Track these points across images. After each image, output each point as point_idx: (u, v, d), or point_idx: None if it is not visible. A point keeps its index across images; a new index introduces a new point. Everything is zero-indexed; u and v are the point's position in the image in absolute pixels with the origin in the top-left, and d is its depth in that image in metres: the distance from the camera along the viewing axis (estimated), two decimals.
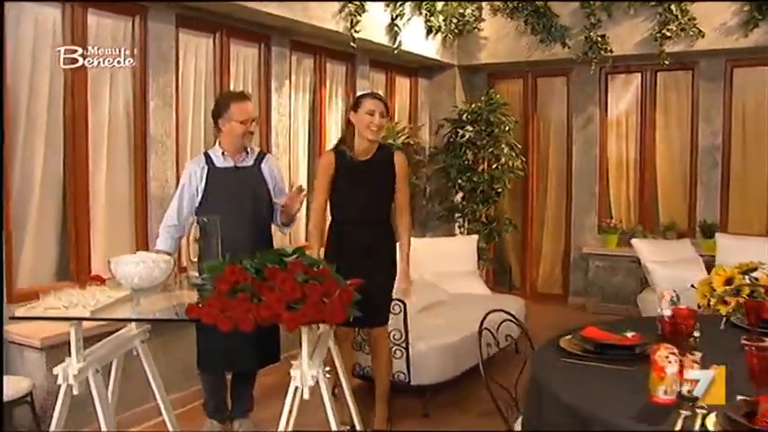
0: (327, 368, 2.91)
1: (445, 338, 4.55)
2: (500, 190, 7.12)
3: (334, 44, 6.14)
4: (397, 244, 3.95)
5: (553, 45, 7.18)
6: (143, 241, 4.57)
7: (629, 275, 7.16)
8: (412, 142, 6.99)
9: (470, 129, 6.94)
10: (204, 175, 3.67)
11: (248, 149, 3.74)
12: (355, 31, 5.83)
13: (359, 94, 3.93)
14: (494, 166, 7.01)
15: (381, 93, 7.03)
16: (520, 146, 7.36)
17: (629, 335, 2.76)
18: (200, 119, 5.00)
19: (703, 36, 6.44)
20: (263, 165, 3.77)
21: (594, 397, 2.23)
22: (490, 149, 7.00)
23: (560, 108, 7.77)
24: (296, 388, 2.82)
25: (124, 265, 3.11)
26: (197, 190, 3.68)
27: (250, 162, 3.73)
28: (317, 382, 2.80)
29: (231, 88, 5.21)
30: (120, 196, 4.50)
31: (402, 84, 7.46)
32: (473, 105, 7.09)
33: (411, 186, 6.86)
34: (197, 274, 3.32)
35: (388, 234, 3.88)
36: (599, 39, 6.87)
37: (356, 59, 6.56)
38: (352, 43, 5.89)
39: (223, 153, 3.68)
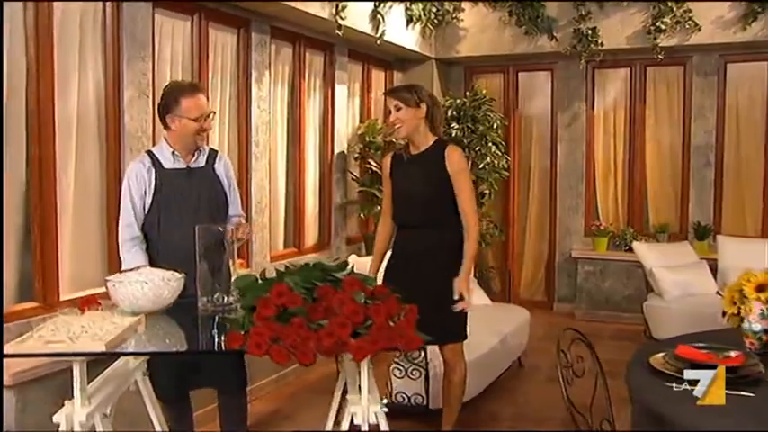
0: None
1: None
2: (486, 192, 6.87)
3: (315, 33, 5.80)
4: None
5: (539, 37, 7.01)
6: (115, 252, 4.07)
7: (619, 280, 7.07)
8: (394, 140, 6.64)
9: (456, 126, 6.67)
10: (152, 179, 3.23)
11: (200, 148, 3.34)
12: (341, 18, 5.49)
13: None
14: (480, 166, 6.76)
15: (358, 86, 6.74)
16: (504, 144, 7.14)
17: (733, 354, 2.53)
18: None
19: (699, 30, 6.37)
20: (216, 165, 3.37)
21: None
22: (477, 148, 6.75)
23: (544, 104, 7.62)
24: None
25: (127, 285, 2.69)
26: (144, 194, 3.23)
27: (202, 162, 3.33)
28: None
29: (210, 78, 4.79)
30: (91, 201, 4.02)
31: (377, 77, 7.15)
32: (457, 101, 6.83)
33: None
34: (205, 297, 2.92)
35: (443, 237, 3.55)
36: (589, 31, 6.74)
37: (335, 50, 6.21)
38: (337, 31, 5.54)
39: (173, 153, 3.26)
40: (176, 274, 2.83)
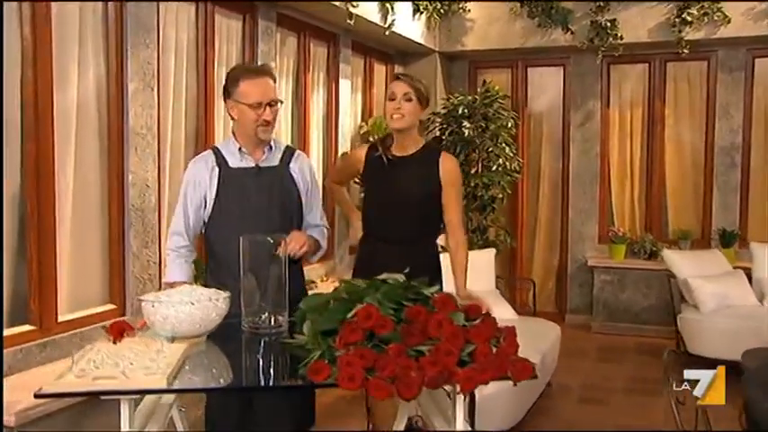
0: None
1: None
2: (499, 195, 6.62)
3: (321, 22, 5.51)
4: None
5: (553, 30, 6.80)
6: (118, 266, 3.74)
7: (639, 291, 6.89)
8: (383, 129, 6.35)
9: (468, 125, 6.41)
10: (215, 179, 2.89)
11: (272, 144, 3.00)
12: (353, 6, 5.20)
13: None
14: (493, 167, 6.52)
15: (360, 80, 6.45)
16: (515, 144, 6.92)
17: None
18: (181, 106, 4.22)
19: (729, 22, 6.22)
20: (292, 164, 3.02)
21: None
22: (489, 148, 6.51)
23: (555, 102, 7.41)
24: None
25: (170, 307, 2.35)
26: (205, 199, 2.89)
27: (275, 161, 2.97)
28: None
29: (215, 68, 4.45)
30: (91, 208, 3.65)
31: (379, 71, 6.87)
32: (469, 98, 6.58)
33: None
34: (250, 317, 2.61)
35: (429, 253, 3.25)
36: (608, 24, 6.55)
37: (339, 41, 5.91)
38: (348, 20, 5.26)
39: (240, 149, 2.91)
40: (221, 292, 2.50)
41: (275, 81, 2.94)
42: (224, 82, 2.93)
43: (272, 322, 2.63)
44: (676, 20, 6.36)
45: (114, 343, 2.30)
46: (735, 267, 6.06)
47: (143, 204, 3.81)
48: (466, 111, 6.50)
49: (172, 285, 2.89)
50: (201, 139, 4.36)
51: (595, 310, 7.04)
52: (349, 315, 2.22)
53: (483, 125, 6.47)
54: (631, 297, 6.92)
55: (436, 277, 3.16)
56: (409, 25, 6.39)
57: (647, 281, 6.82)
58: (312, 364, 2.05)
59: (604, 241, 7.20)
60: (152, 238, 3.88)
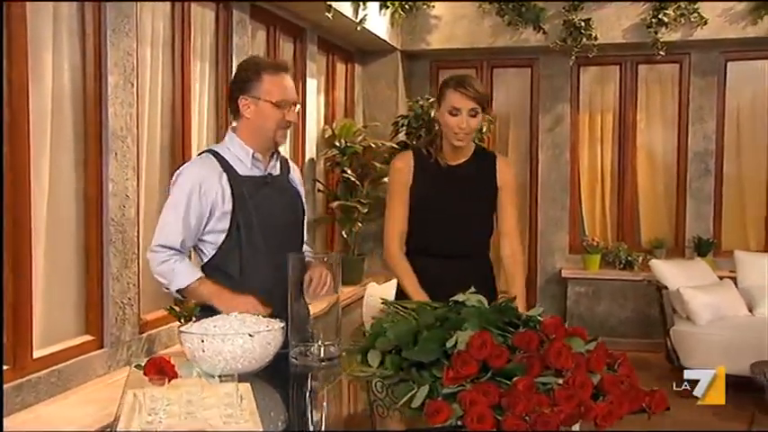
0: None
1: None
2: None
3: (291, 15, 5.28)
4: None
5: (523, 29, 6.75)
6: (97, 290, 3.37)
7: (615, 302, 6.89)
8: (373, 145, 6.15)
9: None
10: (227, 188, 2.55)
11: (279, 151, 2.73)
12: None
13: (443, 79, 3.05)
14: None
15: (323, 80, 6.21)
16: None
17: None
18: (157, 104, 3.88)
19: (706, 23, 6.32)
20: (291, 174, 2.77)
21: None
22: None
23: (523, 105, 7.36)
24: None
25: (225, 340, 2.06)
26: (211, 212, 2.53)
27: (278, 170, 2.69)
28: None
29: (192, 62, 4.13)
30: (66, 224, 3.27)
31: (340, 70, 6.64)
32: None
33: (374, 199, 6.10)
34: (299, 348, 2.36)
35: (486, 267, 3.11)
36: (582, 23, 6.54)
37: (306, 37, 5.66)
38: (327, 13, 5.03)
39: (253, 154, 2.60)
40: (274, 321, 2.23)
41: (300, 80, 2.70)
42: (235, 76, 2.65)
43: (323, 353, 2.39)
44: (652, 20, 6.40)
45: (155, 383, 1.99)
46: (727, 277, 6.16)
47: (123, 218, 3.45)
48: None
49: (187, 290, 2.55)
50: (178, 141, 4.02)
51: (569, 325, 6.95)
52: (448, 344, 2.00)
53: None
54: (608, 309, 6.91)
55: (493, 293, 2.97)
56: (375, 22, 6.20)
57: (624, 292, 6.83)
58: (430, 404, 1.82)
59: (576, 251, 7.19)
60: (131, 257, 3.53)
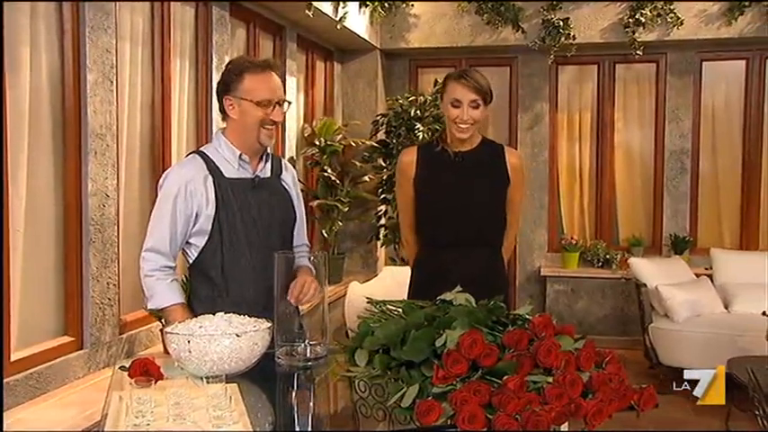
0: None
1: None
2: None
3: (270, 12, 5.23)
4: None
5: (502, 28, 6.75)
6: (76, 290, 3.31)
7: (594, 300, 6.93)
8: (353, 144, 6.12)
9: (421, 127, 6.24)
10: (211, 191, 2.52)
11: (269, 152, 2.70)
12: None
13: (447, 74, 3.07)
14: None
15: (302, 78, 6.16)
16: None
17: None
18: (137, 102, 3.82)
19: (682, 23, 6.35)
20: (283, 175, 2.74)
21: None
22: None
23: (501, 104, 7.34)
24: None
25: (211, 341, 2.03)
26: (196, 215, 2.52)
27: (268, 172, 2.67)
28: None
29: (171, 60, 4.07)
30: (44, 225, 3.20)
31: (320, 69, 6.60)
32: (421, 98, 6.41)
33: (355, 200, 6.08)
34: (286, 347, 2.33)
35: (497, 257, 3.11)
36: (560, 23, 6.56)
37: (285, 35, 5.61)
38: (307, 11, 4.98)
39: (240, 156, 2.58)
40: (262, 321, 2.20)
41: (281, 78, 2.66)
42: (221, 77, 2.62)
43: (309, 353, 2.37)
44: (630, 20, 6.44)
45: (140, 385, 1.95)
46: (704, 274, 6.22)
47: (102, 218, 3.39)
48: (418, 112, 6.32)
49: (162, 311, 2.57)
50: (158, 139, 3.96)
51: None
52: (438, 343, 1.98)
53: (437, 127, 6.32)
54: (586, 307, 6.94)
55: (505, 285, 3.06)
56: (354, 20, 6.16)
57: (602, 290, 6.88)
58: (421, 404, 1.79)
59: (554, 249, 7.21)
60: (111, 257, 3.47)
